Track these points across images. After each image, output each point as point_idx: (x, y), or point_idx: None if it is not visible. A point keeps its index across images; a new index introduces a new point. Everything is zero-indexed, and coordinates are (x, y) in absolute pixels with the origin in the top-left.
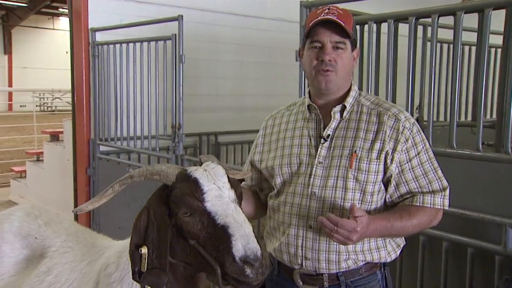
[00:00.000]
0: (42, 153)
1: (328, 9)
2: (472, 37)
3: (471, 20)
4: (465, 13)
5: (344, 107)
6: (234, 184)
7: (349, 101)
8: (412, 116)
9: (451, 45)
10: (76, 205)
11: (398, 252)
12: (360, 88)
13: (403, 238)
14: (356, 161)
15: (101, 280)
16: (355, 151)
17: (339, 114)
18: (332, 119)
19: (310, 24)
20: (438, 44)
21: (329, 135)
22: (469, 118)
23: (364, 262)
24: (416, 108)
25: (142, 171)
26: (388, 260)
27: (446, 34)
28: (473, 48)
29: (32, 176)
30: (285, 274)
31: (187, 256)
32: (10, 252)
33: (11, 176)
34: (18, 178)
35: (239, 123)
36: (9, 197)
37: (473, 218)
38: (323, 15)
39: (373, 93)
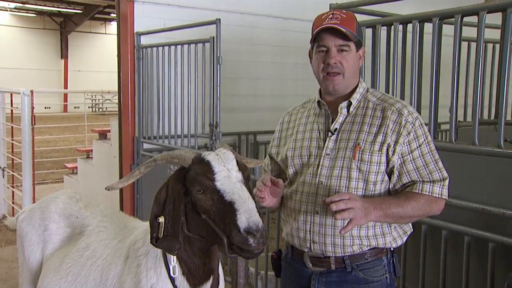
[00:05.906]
0: (91, 150)
1: (332, 14)
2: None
3: (496, 17)
4: (487, 12)
5: (350, 103)
6: (242, 167)
7: (355, 97)
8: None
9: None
10: (121, 199)
11: (405, 239)
12: (386, 89)
13: (410, 225)
14: (359, 153)
15: (130, 254)
16: (358, 143)
17: (346, 109)
18: (339, 114)
19: (315, 31)
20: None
21: (336, 128)
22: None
23: (369, 248)
24: (449, 110)
25: (164, 155)
26: (394, 246)
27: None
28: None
29: (82, 172)
30: (297, 257)
31: (200, 229)
32: (57, 230)
33: (64, 172)
34: (70, 174)
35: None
36: None
37: (494, 213)
38: (327, 21)
39: (398, 94)
